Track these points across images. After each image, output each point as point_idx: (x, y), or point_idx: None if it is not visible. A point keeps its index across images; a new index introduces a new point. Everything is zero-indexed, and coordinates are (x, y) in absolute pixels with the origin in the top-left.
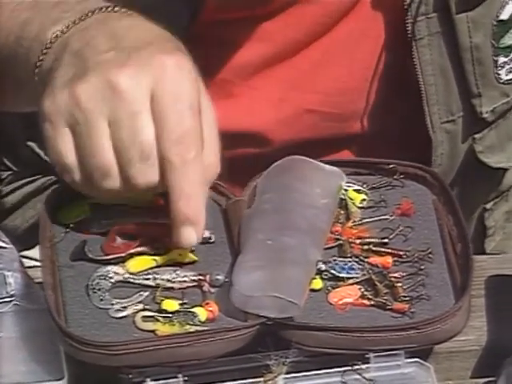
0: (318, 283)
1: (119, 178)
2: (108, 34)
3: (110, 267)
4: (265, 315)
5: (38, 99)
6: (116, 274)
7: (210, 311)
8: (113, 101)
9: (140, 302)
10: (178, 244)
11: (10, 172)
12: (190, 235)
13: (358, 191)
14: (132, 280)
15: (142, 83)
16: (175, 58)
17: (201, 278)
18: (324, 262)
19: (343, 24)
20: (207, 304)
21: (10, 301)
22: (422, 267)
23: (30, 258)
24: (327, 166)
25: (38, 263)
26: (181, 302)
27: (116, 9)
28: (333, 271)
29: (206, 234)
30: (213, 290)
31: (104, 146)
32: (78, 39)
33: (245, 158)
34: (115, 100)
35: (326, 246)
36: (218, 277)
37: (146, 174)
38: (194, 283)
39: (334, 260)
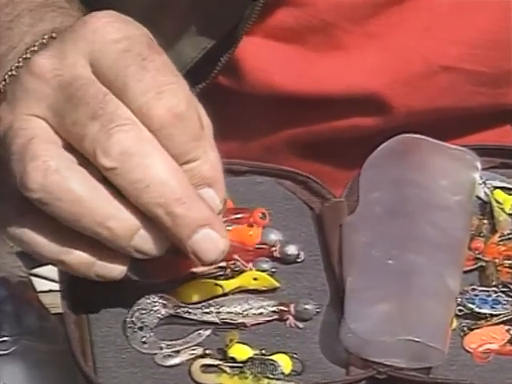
0: None
1: None
2: None
3: (155, 296)
4: (393, 364)
5: None
6: (164, 306)
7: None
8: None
9: (198, 345)
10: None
11: None
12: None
13: (508, 191)
14: (187, 314)
15: None
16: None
17: (283, 308)
18: (459, 293)
19: None
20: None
21: (17, 339)
22: None
23: (46, 278)
24: (453, 148)
25: (55, 286)
26: (255, 345)
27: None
28: (471, 305)
29: (293, 249)
30: (300, 324)
31: None
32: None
33: (354, 135)
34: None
35: (463, 269)
36: (307, 306)
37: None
38: (274, 316)
39: (473, 289)
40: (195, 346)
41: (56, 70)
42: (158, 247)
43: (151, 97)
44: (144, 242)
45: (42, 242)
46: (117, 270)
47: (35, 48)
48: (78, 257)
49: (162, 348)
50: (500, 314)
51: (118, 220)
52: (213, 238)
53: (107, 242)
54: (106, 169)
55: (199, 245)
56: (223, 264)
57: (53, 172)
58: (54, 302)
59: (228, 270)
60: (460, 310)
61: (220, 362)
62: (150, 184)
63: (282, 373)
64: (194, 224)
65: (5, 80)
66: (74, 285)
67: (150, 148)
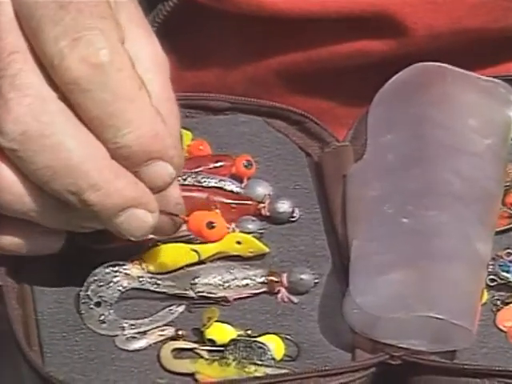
0: None
1: None
2: None
3: (116, 265)
4: (410, 347)
5: None
6: (127, 276)
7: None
8: None
9: (169, 325)
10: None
11: None
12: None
13: None
14: (155, 287)
15: None
16: None
17: (273, 279)
18: (491, 258)
19: None
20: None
21: None
22: None
23: None
24: (484, 79)
25: None
26: (239, 325)
27: None
28: (505, 273)
29: (285, 206)
30: (295, 298)
31: None
32: None
33: (362, 63)
34: None
35: (496, 229)
36: (303, 276)
37: None
38: (263, 289)
39: (508, 254)
40: (165, 325)
41: None
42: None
43: (65, 45)
44: (85, 219)
45: None
46: (52, 245)
47: None
48: (7, 238)
49: (124, 328)
50: None
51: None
52: (138, 217)
53: (43, 224)
54: (4, 148)
55: (123, 226)
56: None
57: None
58: None
59: None
60: (492, 280)
61: (196, 346)
62: (57, 170)
63: (273, 358)
64: (114, 209)
65: None
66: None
67: (57, 125)
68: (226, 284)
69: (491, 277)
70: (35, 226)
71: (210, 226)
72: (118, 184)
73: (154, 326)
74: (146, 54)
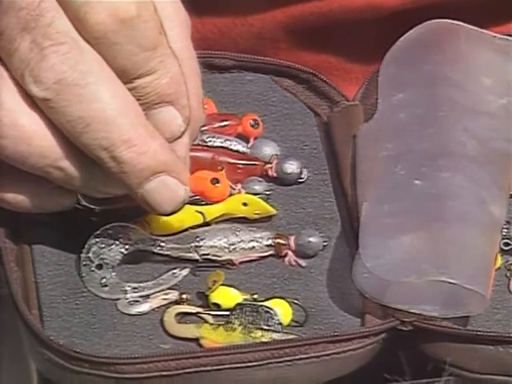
0: None
1: None
2: None
3: (118, 226)
4: (421, 313)
5: None
6: (129, 238)
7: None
8: None
9: (173, 289)
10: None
11: None
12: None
13: None
14: (159, 249)
15: None
16: None
17: (280, 241)
18: (506, 222)
19: None
20: None
21: None
22: None
23: None
24: (500, 38)
25: None
26: (246, 288)
27: None
28: None
29: (293, 167)
30: (303, 262)
31: None
32: None
33: (373, 17)
34: None
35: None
36: (311, 239)
37: None
38: (269, 251)
39: None
40: (169, 289)
41: None
42: (121, 187)
43: None
44: (104, 182)
45: None
46: (65, 202)
47: None
48: (21, 194)
49: (126, 292)
50: None
51: (72, 159)
52: (170, 186)
53: (60, 182)
54: (37, 98)
55: (152, 195)
56: None
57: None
58: None
59: None
60: (506, 244)
61: (200, 310)
62: (91, 122)
63: (280, 323)
64: (146, 171)
65: None
66: (14, 211)
67: (93, 76)
68: (232, 247)
69: (505, 241)
70: (49, 182)
71: (215, 181)
72: (152, 144)
73: (157, 289)
74: (170, 11)
